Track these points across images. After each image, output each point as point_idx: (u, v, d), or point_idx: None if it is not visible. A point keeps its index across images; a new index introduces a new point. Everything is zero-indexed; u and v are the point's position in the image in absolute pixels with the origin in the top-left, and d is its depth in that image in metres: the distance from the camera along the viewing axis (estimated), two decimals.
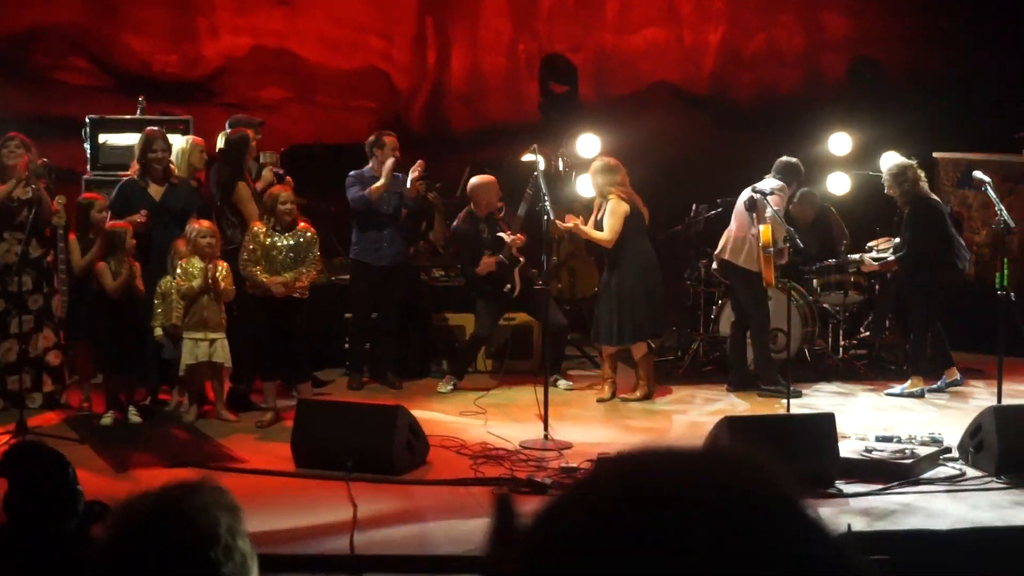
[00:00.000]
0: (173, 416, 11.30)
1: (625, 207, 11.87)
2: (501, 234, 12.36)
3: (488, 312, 12.52)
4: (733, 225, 12.31)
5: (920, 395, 12.10)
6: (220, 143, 12.20)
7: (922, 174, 12.25)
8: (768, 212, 11.93)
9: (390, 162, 12.23)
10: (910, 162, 12.26)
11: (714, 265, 12.58)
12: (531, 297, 12.25)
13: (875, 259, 12.55)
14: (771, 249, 11.84)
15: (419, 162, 12.39)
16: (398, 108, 17.66)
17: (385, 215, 12.37)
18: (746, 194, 12.19)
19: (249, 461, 10.00)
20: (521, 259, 12.39)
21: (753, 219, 12.05)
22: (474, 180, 12.67)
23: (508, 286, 12.36)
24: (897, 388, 12.24)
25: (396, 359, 12.70)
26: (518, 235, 12.35)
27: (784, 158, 12.57)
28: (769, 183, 12.24)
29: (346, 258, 12.74)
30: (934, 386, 12.24)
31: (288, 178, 12.22)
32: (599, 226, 11.95)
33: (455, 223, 12.65)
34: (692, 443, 1.76)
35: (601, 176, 12.07)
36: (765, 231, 11.85)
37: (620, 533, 1.59)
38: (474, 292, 12.64)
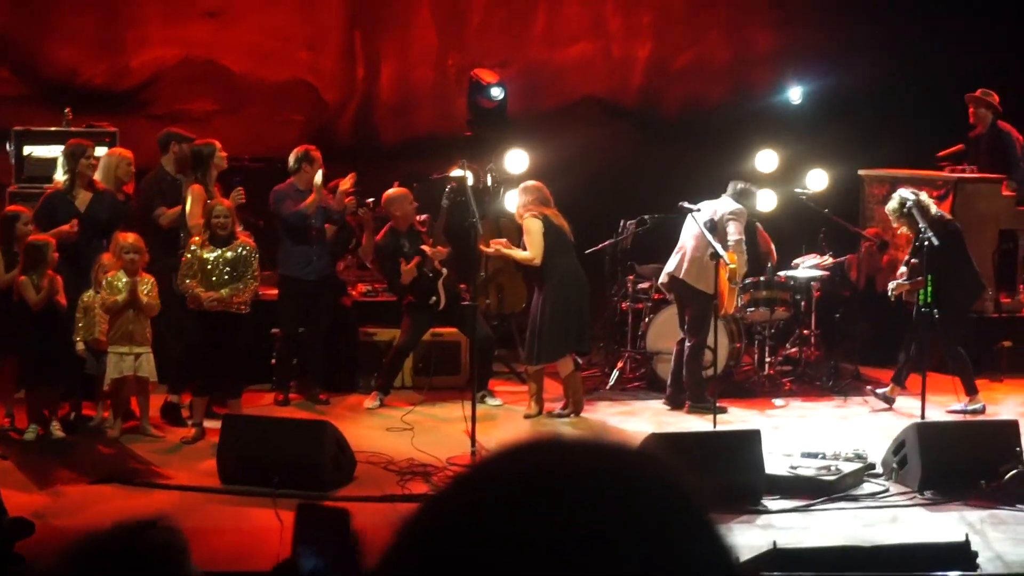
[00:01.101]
0: (97, 431, 11.19)
1: (537, 223, 11.86)
2: (424, 247, 12.33)
3: (414, 324, 12.49)
4: (689, 244, 12.22)
5: (982, 410, 12.09)
6: (164, 161, 12.19)
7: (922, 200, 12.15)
8: (732, 239, 11.98)
9: (320, 174, 12.20)
10: (911, 194, 12.16)
11: (662, 279, 12.50)
12: (459, 312, 12.23)
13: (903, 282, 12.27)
14: (736, 282, 11.92)
15: (351, 175, 12.38)
16: (326, 121, 17.61)
17: (313, 229, 12.33)
18: (705, 212, 12.15)
19: (174, 477, 9.95)
20: (444, 271, 12.35)
21: (711, 241, 12.04)
22: (387, 194, 12.65)
23: (434, 298, 12.33)
24: (958, 406, 12.17)
25: (323, 374, 12.65)
26: (439, 247, 12.32)
27: (740, 183, 12.59)
28: (726, 204, 12.25)
29: (273, 273, 12.67)
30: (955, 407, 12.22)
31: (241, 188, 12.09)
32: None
33: (377, 239, 12.63)
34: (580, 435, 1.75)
35: (517, 199, 12.12)
36: (732, 262, 11.85)
37: (505, 522, 1.58)
38: (403, 308, 12.61)
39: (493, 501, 1.61)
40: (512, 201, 13.26)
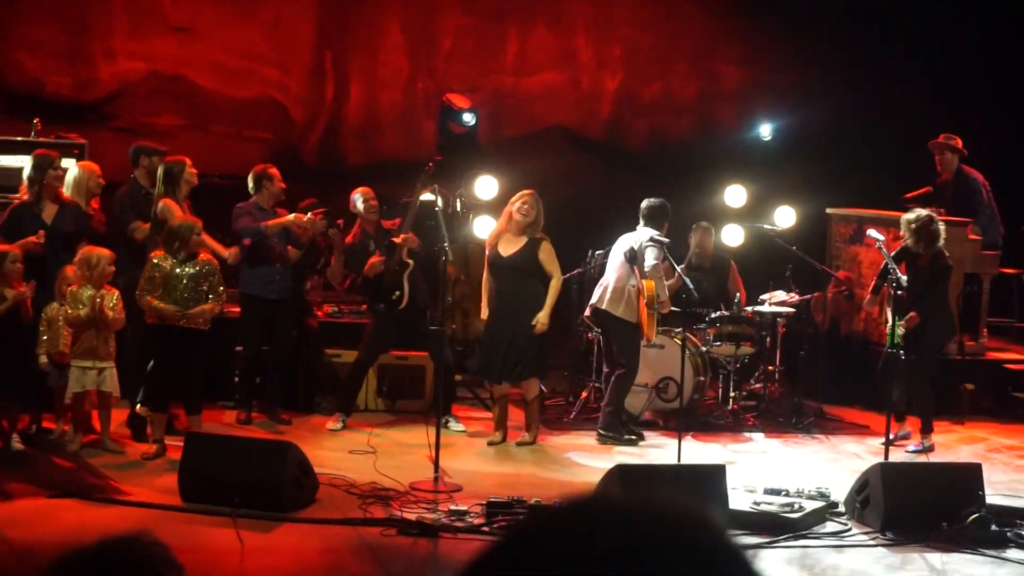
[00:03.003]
0: (58, 444, 11.08)
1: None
2: (393, 239, 12.29)
3: (374, 336, 12.42)
4: (612, 276, 12.25)
5: (931, 449, 12.13)
6: (136, 174, 12.10)
7: (941, 227, 12.20)
8: (648, 265, 11.97)
9: (289, 219, 12.18)
10: (933, 214, 12.25)
11: (587, 312, 12.51)
12: (422, 332, 12.17)
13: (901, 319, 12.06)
14: (655, 307, 11.91)
15: (318, 214, 12.35)
16: (293, 140, 17.56)
17: (276, 248, 12.27)
18: (624, 243, 12.20)
19: (134, 493, 9.85)
20: (410, 263, 12.28)
21: (634, 271, 12.07)
22: (353, 193, 12.65)
23: (397, 293, 12.26)
24: (912, 446, 12.20)
25: (286, 394, 12.57)
26: (410, 235, 12.24)
27: (649, 202, 12.45)
28: (645, 233, 12.23)
29: (236, 289, 12.58)
30: (910, 448, 12.24)
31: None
32: (535, 260, 11.90)
33: (348, 240, 12.60)
34: (603, 491, 1.77)
35: (532, 216, 12.00)
36: (648, 288, 11.87)
37: None
38: (368, 308, 12.51)
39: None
40: (481, 226, 13.32)
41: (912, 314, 11.86)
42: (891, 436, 11.92)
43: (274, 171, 12.44)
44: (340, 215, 12.88)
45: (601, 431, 12.22)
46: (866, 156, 16.36)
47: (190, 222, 11.07)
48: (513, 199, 12.08)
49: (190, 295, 10.92)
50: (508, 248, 11.95)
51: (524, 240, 11.92)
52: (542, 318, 11.75)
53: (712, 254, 13.85)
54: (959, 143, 14.52)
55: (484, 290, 12.12)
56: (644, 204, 12.45)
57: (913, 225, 12.08)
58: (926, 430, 12.21)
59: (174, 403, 11.22)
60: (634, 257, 12.04)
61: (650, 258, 12.01)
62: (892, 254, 12.00)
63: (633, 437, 12.24)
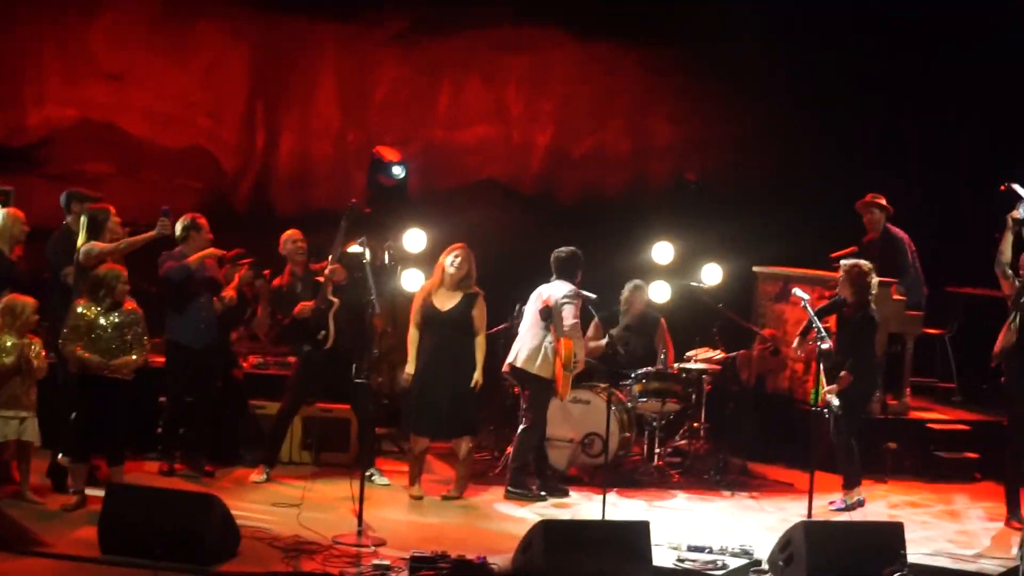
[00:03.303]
0: None
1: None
2: (318, 277, 12.27)
3: (297, 385, 12.38)
4: (528, 333, 12.25)
5: (861, 503, 12.20)
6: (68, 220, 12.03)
7: (875, 281, 12.30)
8: (567, 325, 11.99)
9: (209, 251, 12.14)
10: (871, 266, 12.34)
11: (504, 368, 12.49)
12: (349, 382, 12.16)
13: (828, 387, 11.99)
14: (571, 368, 11.91)
15: (245, 265, 12.32)
16: (223, 188, 17.51)
17: (202, 297, 12.22)
18: (538, 297, 12.21)
19: (53, 545, 9.72)
20: (336, 301, 12.23)
21: (550, 328, 12.08)
22: (283, 237, 12.62)
23: (323, 333, 12.21)
24: (839, 503, 12.24)
25: (210, 446, 12.48)
26: (336, 266, 12.19)
27: (560, 253, 12.41)
28: (560, 288, 12.22)
29: (162, 337, 12.49)
30: (835, 506, 12.26)
31: None
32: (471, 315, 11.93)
33: (274, 285, 12.56)
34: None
35: (465, 271, 12.01)
36: (567, 348, 11.89)
37: None
38: (293, 352, 12.45)
39: None
40: (410, 279, 13.35)
41: (844, 373, 11.92)
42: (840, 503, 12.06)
43: (203, 221, 12.39)
44: (267, 265, 12.84)
45: (509, 488, 12.20)
46: (793, 215, 16.50)
47: (116, 270, 11.00)
48: (445, 253, 12.08)
49: (115, 344, 10.83)
50: (445, 303, 11.93)
51: (460, 295, 11.93)
52: (478, 377, 11.75)
53: (642, 311, 13.91)
54: (884, 201, 14.68)
55: (411, 344, 12.08)
56: (555, 256, 12.42)
57: (850, 270, 12.20)
58: (851, 485, 12.28)
59: (96, 453, 11.10)
60: (550, 315, 12.05)
61: (568, 316, 12.01)
62: (823, 306, 12.14)
63: (543, 493, 12.20)
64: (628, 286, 13.95)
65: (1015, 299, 11.73)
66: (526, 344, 12.17)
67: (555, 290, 12.18)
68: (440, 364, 11.87)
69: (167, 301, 12.21)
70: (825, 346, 11.41)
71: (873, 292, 12.25)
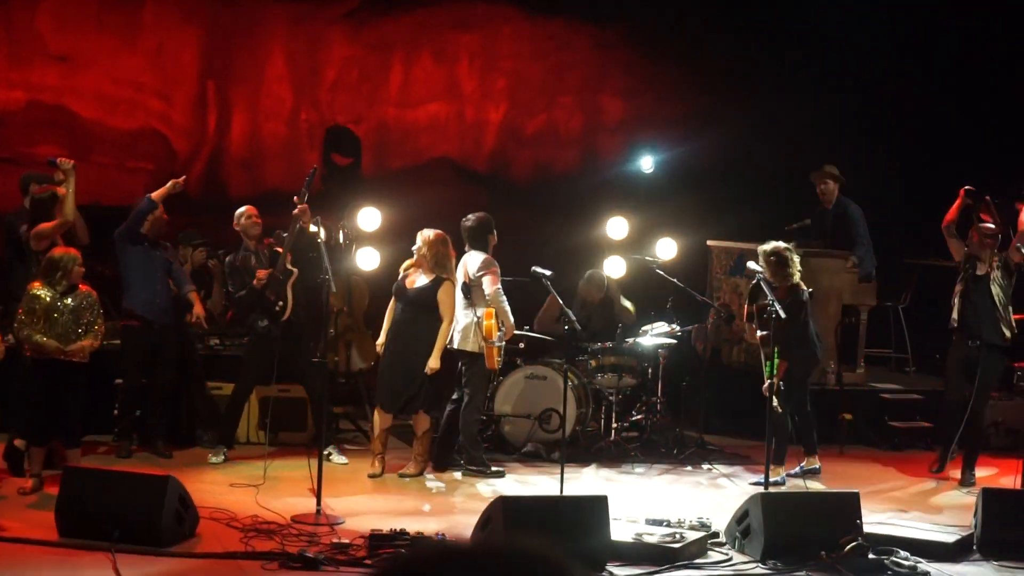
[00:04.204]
0: None
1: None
2: (277, 247, 12.23)
3: (254, 363, 12.32)
4: (460, 314, 12.18)
5: (818, 471, 12.27)
6: (26, 203, 11.97)
7: (797, 259, 12.29)
8: (488, 292, 11.99)
9: (171, 184, 12.12)
10: (787, 245, 12.33)
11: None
12: (305, 362, 12.14)
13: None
14: (493, 341, 11.90)
15: (198, 246, 12.27)
16: (175, 170, 17.40)
17: (156, 272, 12.17)
18: (463, 275, 12.21)
19: (10, 529, 9.68)
20: (295, 271, 12.20)
21: (473, 303, 12.08)
22: (238, 212, 12.56)
23: (280, 304, 12.18)
24: (796, 468, 12.31)
25: (167, 427, 12.45)
26: (303, 205, 12.08)
27: (467, 221, 12.36)
28: (473, 261, 12.19)
29: (116, 321, 12.43)
30: (793, 471, 12.35)
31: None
32: (435, 298, 11.89)
33: (227, 259, 12.53)
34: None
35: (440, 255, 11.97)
36: (487, 320, 11.90)
37: None
38: (249, 329, 12.40)
39: None
40: (365, 258, 13.34)
41: (779, 362, 11.92)
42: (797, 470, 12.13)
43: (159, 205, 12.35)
44: (221, 245, 12.80)
45: (468, 467, 12.21)
46: (747, 189, 16.56)
47: (71, 253, 10.94)
48: (418, 238, 12.06)
49: (71, 327, 10.79)
50: (415, 282, 11.95)
51: (431, 277, 11.92)
52: (432, 363, 11.74)
53: (599, 298, 13.98)
54: (838, 172, 14.75)
55: (387, 319, 12.10)
56: (463, 225, 12.35)
57: (769, 256, 12.21)
58: (809, 451, 12.39)
59: (53, 437, 11.06)
60: (469, 291, 12.05)
61: (487, 286, 12.00)
62: (752, 289, 12.17)
63: (501, 469, 12.23)
64: (585, 276, 14.00)
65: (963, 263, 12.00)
66: (458, 325, 12.16)
67: (470, 263, 12.16)
68: (397, 340, 11.91)
69: (125, 269, 12.15)
70: (778, 319, 11.42)
71: (797, 272, 12.21)
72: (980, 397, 12.44)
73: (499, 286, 12.04)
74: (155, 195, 12.14)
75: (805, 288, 12.32)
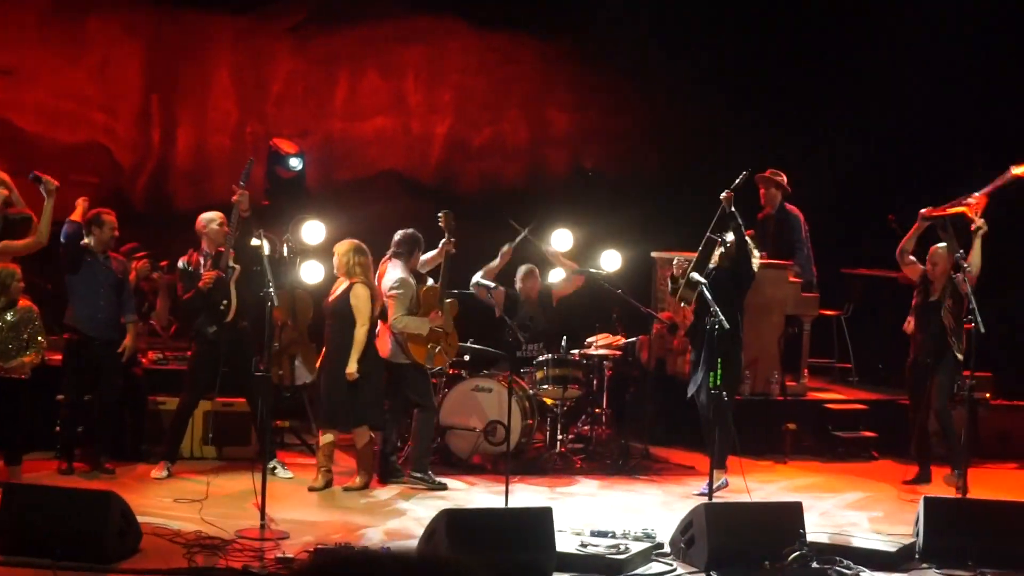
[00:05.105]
0: None
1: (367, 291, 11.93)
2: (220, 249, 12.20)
3: (198, 375, 12.26)
4: (385, 325, 12.25)
5: (725, 485, 12.18)
6: None
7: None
8: (400, 310, 12.10)
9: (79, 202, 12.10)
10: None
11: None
12: (249, 375, 12.12)
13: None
14: (432, 353, 12.08)
15: (142, 258, 12.22)
16: (120, 184, 17.35)
17: (100, 287, 12.11)
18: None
19: None
20: (236, 267, 12.16)
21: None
22: (201, 217, 12.49)
23: (224, 303, 12.12)
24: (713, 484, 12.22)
25: (110, 443, 12.36)
26: (243, 192, 12.04)
27: (400, 234, 12.48)
28: (391, 276, 12.27)
29: (59, 335, 12.35)
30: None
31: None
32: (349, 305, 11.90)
33: (179, 262, 12.46)
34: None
35: (348, 258, 12.01)
36: (411, 324, 12.06)
37: None
38: (195, 336, 12.35)
39: None
40: (310, 271, 13.32)
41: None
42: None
43: (108, 217, 12.26)
44: (164, 257, 12.73)
45: (412, 474, 12.21)
46: (690, 200, 16.61)
47: (10, 268, 10.90)
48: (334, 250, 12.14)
49: (12, 344, 10.72)
50: (334, 292, 12.00)
51: (343, 285, 11.96)
52: (349, 368, 11.74)
53: (538, 291, 14.04)
54: (784, 179, 14.85)
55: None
56: (399, 237, 12.47)
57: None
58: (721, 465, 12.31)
59: None
60: (384, 313, 12.14)
61: (399, 308, 12.12)
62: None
63: (444, 482, 12.23)
64: (520, 272, 14.05)
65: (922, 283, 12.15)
66: (389, 337, 12.21)
67: (387, 276, 12.26)
68: (326, 355, 11.97)
69: (69, 283, 12.09)
70: (720, 329, 11.46)
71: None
72: (939, 399, 12.60)
73: (400, 313, 12.10)
74: (75, 216, 12.07)
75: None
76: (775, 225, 14.73)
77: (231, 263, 12.16)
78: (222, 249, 12.20)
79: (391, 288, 12.15)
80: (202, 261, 12.32)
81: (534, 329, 13.70)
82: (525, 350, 13.52)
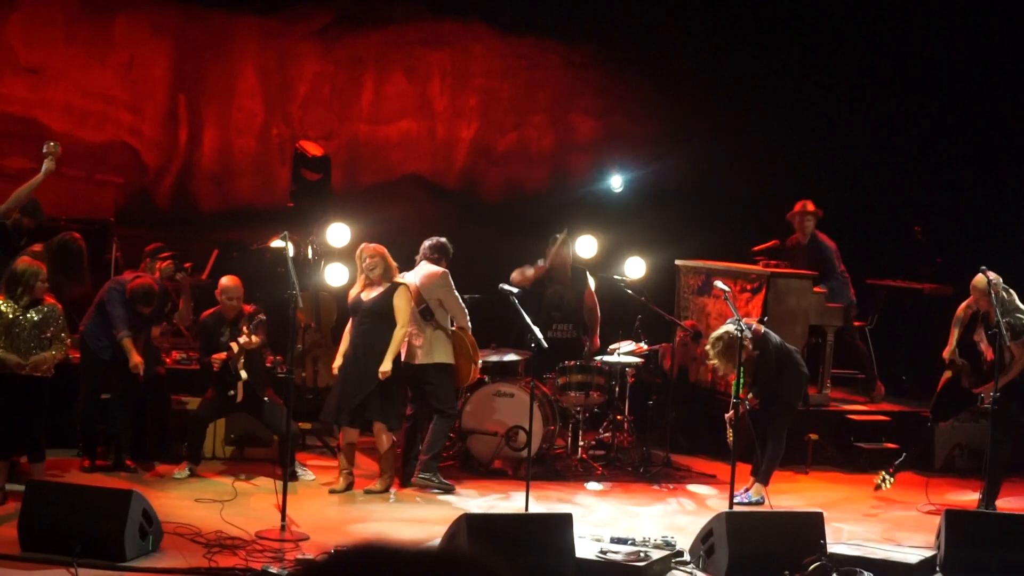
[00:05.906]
0: None
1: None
2: (233, 343, 12.08)
3: (215, 399, 12.31)
4: (412, 329, 12.20)
5: (762, 502, 12.16)
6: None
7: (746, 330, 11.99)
8: (462, 315, 12.13)
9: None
10: (736, 333, 11.65)
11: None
12: (261, 409, 12.14)
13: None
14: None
15: (166, 259, 12.23)
16: (146, 184, 17.40)
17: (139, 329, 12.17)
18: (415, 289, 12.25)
19: None
20: (244, 375, 12.13)
21: (434, 320, 12.16)
22: (223, 282, 12.44)
23: (232, 392, 12.15)
24: (746, 496, 12.19)
25: (131, 441, 12.38)
26: (254, 337, 12.06)
27: (433, 240, 12.52)
28: (428, 275, 12.29)
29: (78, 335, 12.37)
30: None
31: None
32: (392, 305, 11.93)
33: (204, 316, 12.45)
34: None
35: (382, 264, 12.03)
36: (472, 341, 12.10)
37: None
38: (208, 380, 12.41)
39: None
40: (334, 274, 13.36)
41: (750, 397, 11.97)
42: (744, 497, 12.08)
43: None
44: (188, 258, 12.75)
45: (420, 475, 12.18)
46: (715, 209, 16.62)
47: (35, 266, 10.91)
48: (358, 256, 12.09)
49: (34, 341, 10.75)
50: (369, 294, 11.98)
51: (384, 286, 11.96)
52: (384, 367, 11.74)
53: (571, 265, 14.01)
54: (813, 207, 14.79)
55: (343, 340, 12.12)
56: (429, 244, 12.50)
57: (718, 347, 12.01)
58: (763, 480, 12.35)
59: (16, 451, 11.01)
60: (429, 309, 12.12)
61: (459, 299, 12.19)
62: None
63: (451, 484, 12.22)
64: (553, 241, 13.98)
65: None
66: (418, 340, 12.21)
67: (427, 290, 12.28)
68: (356, 353, 11.92)
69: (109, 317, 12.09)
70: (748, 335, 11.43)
71: (748, 337, 12.05)
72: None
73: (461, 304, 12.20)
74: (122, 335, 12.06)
75: (762, 329, 12.31)
76: (807, 254, 14.71)
77: (239, 366, 12.07)
78: (235, 346, 12.04)
79: (440, 286, 12.17)
80: (224, 331, 12.26)
81: (565, 309, 13.69)
82: (555, 330, 13.57)
